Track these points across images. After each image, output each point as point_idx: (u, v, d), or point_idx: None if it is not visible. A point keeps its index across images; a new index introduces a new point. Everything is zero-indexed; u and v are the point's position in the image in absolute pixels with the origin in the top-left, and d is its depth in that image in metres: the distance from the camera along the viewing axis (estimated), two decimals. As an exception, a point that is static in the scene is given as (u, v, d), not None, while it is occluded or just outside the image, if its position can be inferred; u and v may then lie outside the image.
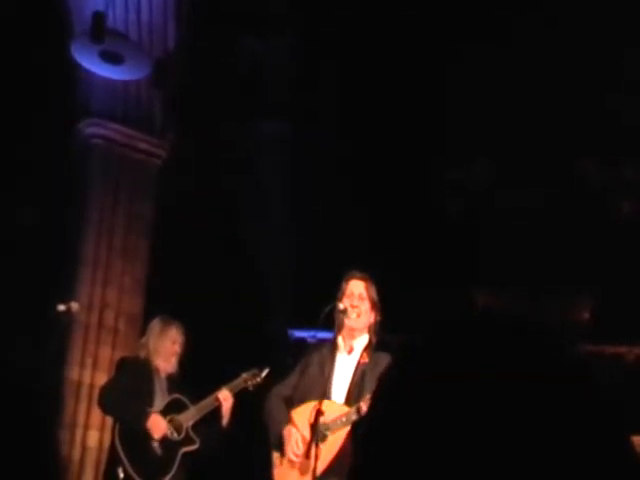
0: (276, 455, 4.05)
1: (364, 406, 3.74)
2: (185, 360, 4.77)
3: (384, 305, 4.18)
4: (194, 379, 4.65)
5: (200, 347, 4.84)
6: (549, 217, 6.99)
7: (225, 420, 4.58)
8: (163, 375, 4.67)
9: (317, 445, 3.81)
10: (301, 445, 3.87)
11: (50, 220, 6.32)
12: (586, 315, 6.81)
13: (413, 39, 6.98)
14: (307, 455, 3.87)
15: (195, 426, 4.59)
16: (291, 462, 3.91)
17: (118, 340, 6.25)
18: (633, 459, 0.76)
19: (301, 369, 4.15)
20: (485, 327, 0.82)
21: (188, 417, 4.56)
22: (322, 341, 4.40)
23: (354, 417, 3.81)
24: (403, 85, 7.01)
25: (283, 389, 4.15)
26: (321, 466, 3.80)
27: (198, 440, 4.56)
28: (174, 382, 4.69)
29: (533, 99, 6.88)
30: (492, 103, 6.98)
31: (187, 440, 4.56)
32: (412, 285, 6.04)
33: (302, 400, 3.95)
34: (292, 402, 4.02)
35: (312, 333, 5.73)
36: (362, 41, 7.09)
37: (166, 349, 4.67)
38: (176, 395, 4.62)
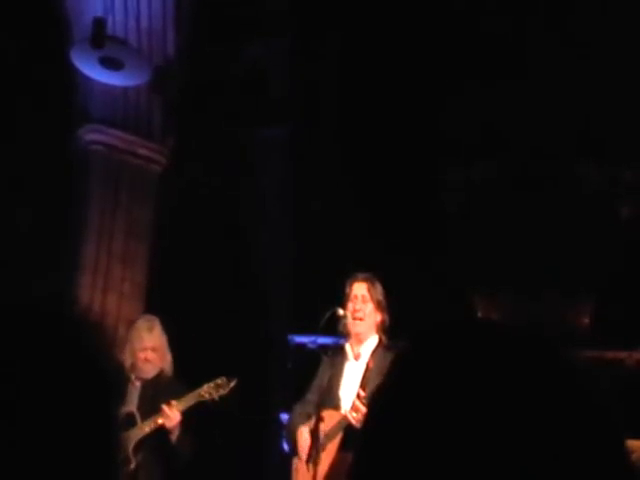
0: (294, 467, 4.07)
1: (357, 402, 3.76)
2: (183, 365, 4.65)
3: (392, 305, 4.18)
4: (192, 384, 4.55)
5: (199, 352, 4.81)
6: (549, 220, 6.99)
7: (173, 437, 4.24)
8: (138, 382, 4.43)
9: (318, 454, 3.83)
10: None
11: (50, 226, 6.31)
12: (586, 320, 6.80)
13: (414, 39, 6.99)
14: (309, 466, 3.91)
15: (143, 441, 4.26)
16: (303, 473, 3.94)
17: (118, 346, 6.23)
18: (629, 466, 0.76)
19: (318, 384, 4.14)
20: (484, 334, 0.82)
21: (137, 433, 4.25)
22: (327, 347, 4.39)
23: (346, 422, 3.83)
24: (404, 85, 7.01)
25: (305, 406, 4.15)
26: (322, 474, 3.83)
27: (134, 461, 4.21)
28: (151, 388, 4.41)
29: (534, 101, 6.89)
30: (493, 104, 6.98)
31: (123, 460, 4.11)
32: (413, 286, 6.03)
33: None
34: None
35: (312, 338, 5.72)
36: (363, 43, 7.10)
37: (134, 356, 4.41)
38: (128, 409, 4.29)
